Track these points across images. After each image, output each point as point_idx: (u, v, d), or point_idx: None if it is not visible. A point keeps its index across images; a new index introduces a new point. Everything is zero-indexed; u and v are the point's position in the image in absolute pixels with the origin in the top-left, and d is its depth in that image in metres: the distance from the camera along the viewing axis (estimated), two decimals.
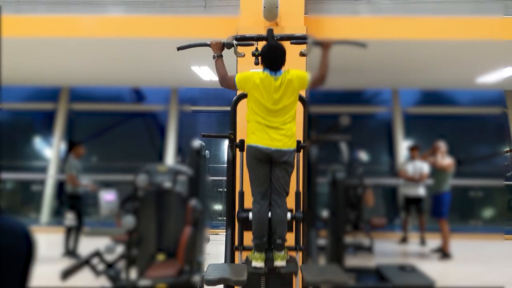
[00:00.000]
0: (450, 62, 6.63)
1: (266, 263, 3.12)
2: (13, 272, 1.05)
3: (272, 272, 3.13)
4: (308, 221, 3.36)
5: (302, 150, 3.46)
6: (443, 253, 5.98)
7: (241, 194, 3.41)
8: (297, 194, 3.41)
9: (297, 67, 4.07)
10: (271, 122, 3.00)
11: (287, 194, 3.14)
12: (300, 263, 3.31)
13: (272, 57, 3.03)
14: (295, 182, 3.37)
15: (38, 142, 9.74)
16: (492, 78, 7.12)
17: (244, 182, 3.41)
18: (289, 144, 3.02)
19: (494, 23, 5.14)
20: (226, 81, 3.11)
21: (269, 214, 3.13)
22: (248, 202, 3.25)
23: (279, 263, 3.09)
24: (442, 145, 6.07)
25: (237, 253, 3.34)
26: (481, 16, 5.17)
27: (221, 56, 3.16)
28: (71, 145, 6.70)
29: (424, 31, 5.27)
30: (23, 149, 9.47)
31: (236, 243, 3.33)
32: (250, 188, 3.15)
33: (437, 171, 6.16)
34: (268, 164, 3.06)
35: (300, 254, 3.32)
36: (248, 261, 3.16)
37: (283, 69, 3.07)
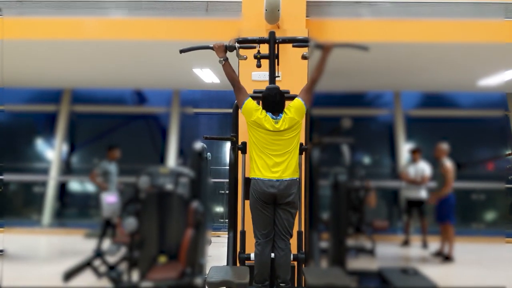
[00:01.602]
0: (452, 65, 6.62)
1: None
2: None
3: None
4: (311, 224, 3.35)
5: (304, 153, 3.46)
6: (446, 256, 5.97)
7: (243, 233, 3.40)
8: (299, 233, 3.39)
9: (299, 70, 4.09)
10: (273, 157, 3.06)
11: (291, 236, 3.14)
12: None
13: (272, 102, 3.10)
14: (297, 221, 3.35)
15: (40, 144, 9.76)
16: (494, 80, 7.12)
17: (245, 217, 3.40)
18: (290, 174, 3.07)
19: (496, 25, 5.15)
20: (238, 90, 3.15)
21: (272, 255, 3.12)
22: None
23: None
24: (445, 147, 6.05)
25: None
26: (483, 19, 5.17)
27: (227, 59, 3.15)
28: (108, 148, 6.64)
29: (425, 33, 5.27)
30: (25, 151, 9.48)
31: None
32: (253, 229, 3.15)
33: (440, 174, 6.14)
34: (272, 205, 3.07)
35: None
36: None
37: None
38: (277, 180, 3.02)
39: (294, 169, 3.10)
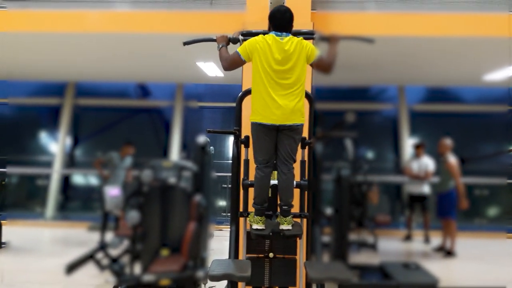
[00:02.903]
0: (457, 59, 6.59)
1: (272, 227, 3.08)
2: None
3: (277, 235, 3.10)
4: (313, 218, 3.35)
5: (307, 147, 3.45)
6: (448, 251, 5.97)
7: (246, 161, 3.38)
8: (302, 162, 3.35)
9: None
10: (277, 92, 2.88)
11: (294, 161, 3.06)
12: (304, 229, 3.29)
13: (280, 18, 2.94)
14: (300, 151, 3.32)
15: (44, 137, 9.79)
16: (498, 75, 7.08)
17: (249, 153, 3.38)
18: (294, 119, 2.91)
19: (501, 20, 5.11)
20: (231, 60, 2.99)
21: (275, 181, 3.10)
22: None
23: (285, 226, 3.04)
24: (448, 142, 6.05)
25: (241, 247, 3.34)
26: (488, 13, 5.13)
27: (226, 46, 3.12)
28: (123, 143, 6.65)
29: (430, 27, 5.23)
30: (29, 144, 9.52)
31: (241, 209, 3.32)
32: (253, 156, 3.08)
33: (443, 169, 6.13)
34: (275, 132, 2.95)
35: (304, 220, 3.31)
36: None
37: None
38: (280, 125, 2.91)
39: (299, 113, 2.93)
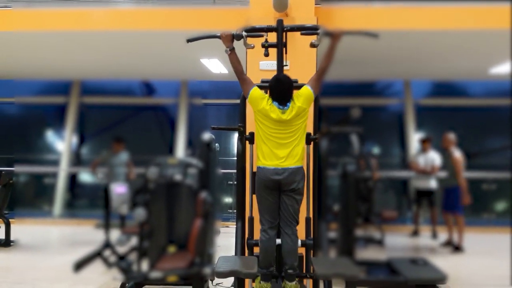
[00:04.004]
0: (463, 53, 6.54)
1: None
2: None
3: None
4: (319, 211, 3.34)
5: (312, 143, 3.43)
6: (456, 246, 5.94)
7: (251, 220, 3.37)
8: (307, 220, 3.35)
9: (307, 58, 4.03)
10: (279, 145, 3.03)
11: (297, 223, 3.11)
12: (310, 286, 3.28)
13: (280, 91, 3.03)
14: (305, 208, 3.33)
15: (50, 136, 9.84)
16: (505, 68, 7.02)
17: (253, 202, 3.38)
18: (295, 162, 3.02)
19: (508, 12, 5.06)
20: (242, 81, 3.14)
21: (279, 241, 3.10)
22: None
23: None
24: (452, 137, 6.02)
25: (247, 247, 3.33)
26: (494, 6, 5.08)
27: (233, 49, 3.12)
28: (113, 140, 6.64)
29: (436, 21, 5.19)
30: (35, 143, 9.57)
31: None
32: (259, 216, 3.12)
33: (449, 164, 6.09)
34: (277, 192, 3.05)
35: (310, 281, 3.29)
36: None
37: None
38: (282, 168, 3.00)
39: (299, 157, 3.05)
